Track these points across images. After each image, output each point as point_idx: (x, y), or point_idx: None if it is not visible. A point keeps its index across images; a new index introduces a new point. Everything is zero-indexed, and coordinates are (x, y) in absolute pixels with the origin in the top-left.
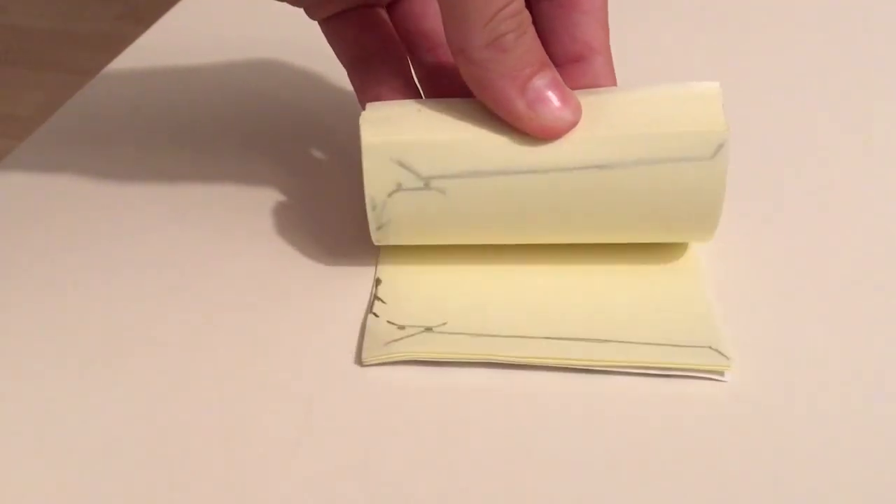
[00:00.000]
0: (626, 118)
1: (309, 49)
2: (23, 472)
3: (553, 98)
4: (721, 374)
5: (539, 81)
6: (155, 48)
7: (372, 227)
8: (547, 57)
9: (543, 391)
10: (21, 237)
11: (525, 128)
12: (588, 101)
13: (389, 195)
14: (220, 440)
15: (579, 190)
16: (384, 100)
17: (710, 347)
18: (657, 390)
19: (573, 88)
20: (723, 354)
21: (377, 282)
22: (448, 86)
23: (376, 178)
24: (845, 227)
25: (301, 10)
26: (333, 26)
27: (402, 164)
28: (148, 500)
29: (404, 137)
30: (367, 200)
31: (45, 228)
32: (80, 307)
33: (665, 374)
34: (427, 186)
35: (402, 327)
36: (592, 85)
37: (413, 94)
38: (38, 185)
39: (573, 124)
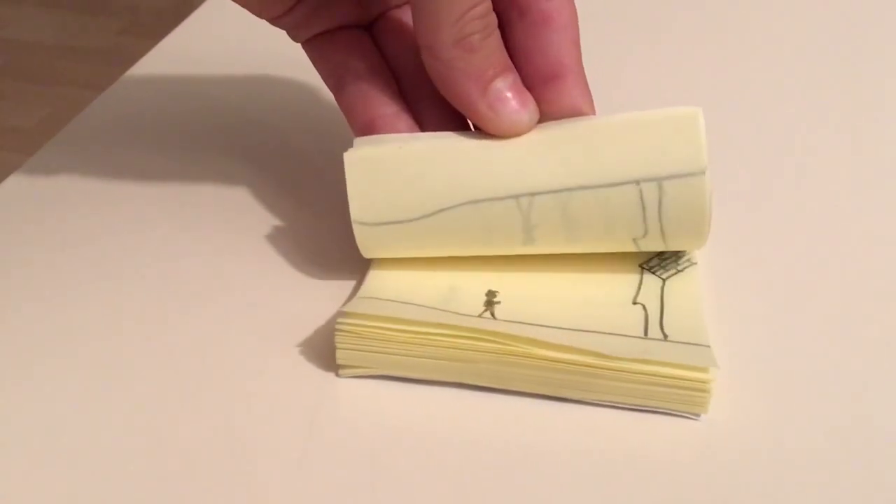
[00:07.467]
0: (606, 140)
1: (310, 65)
2: (15, 478)
3: (512, 100)
4: (704, 389)
5: (500, 83)
6: (163, 63)
7: (359, 244)
8: (509, 61)
9: (526, 413)
10: (31, 247)
11: (485, 127)
12: (566, 126)
13: (374, 222)
14: (217, 454)
15: (563, 210)
16: (377, 124)
17: (699, 345)
18: (639, 416)
19: (551, 111)
20: (709, 354)
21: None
22: (430, 106)
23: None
24: (840, 236)
25: None
26: (317, 48)
27: (383, 204)
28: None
29: (387, 184)
30: (353, 223)
31: (56, 239)
32: (83, 315)
33: (643, 408)
34: (411, 219)
35: (378, 299)
36: (569, 106)
37: (405, 118)
38: (49, 195)
39: (530, 126)
